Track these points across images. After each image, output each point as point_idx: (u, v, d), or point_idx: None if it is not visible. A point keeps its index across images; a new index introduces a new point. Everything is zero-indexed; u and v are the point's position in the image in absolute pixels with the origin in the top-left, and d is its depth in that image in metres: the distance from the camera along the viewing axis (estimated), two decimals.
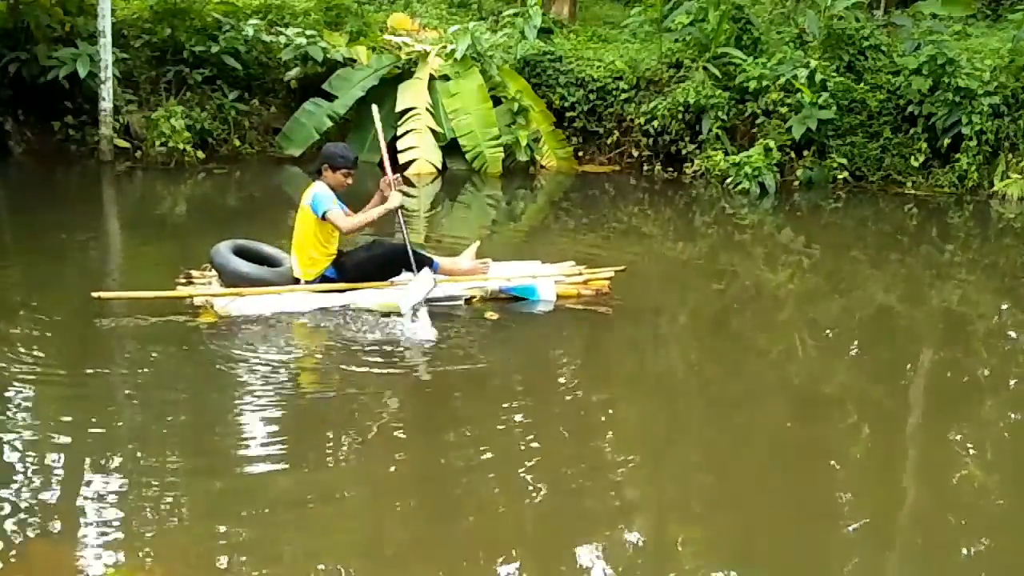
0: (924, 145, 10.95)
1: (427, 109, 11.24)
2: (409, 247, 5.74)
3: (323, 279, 5.69)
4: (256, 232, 7.43)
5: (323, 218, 5.56)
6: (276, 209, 9.32)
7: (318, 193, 5.61)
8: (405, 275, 5.73)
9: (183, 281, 5.88)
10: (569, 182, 11.31)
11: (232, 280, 5.68)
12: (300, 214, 5.69)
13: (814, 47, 11.40)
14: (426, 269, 5.70)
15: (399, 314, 5.46)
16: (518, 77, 11.79)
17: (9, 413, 4.21)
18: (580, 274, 6.22)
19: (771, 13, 13.14)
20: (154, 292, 5.65)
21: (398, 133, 11.10)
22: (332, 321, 5.51)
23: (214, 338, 5.23)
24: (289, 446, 4.09)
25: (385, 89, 11.41)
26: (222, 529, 3.42)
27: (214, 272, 5.87)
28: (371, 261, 5.77)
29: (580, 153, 12.09)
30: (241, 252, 5.82)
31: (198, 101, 11.06)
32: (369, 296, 5.65)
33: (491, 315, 5.77)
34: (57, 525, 3.39)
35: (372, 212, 5.80)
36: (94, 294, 5.44)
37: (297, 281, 5.70)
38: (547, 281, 6.04)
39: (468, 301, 5.89)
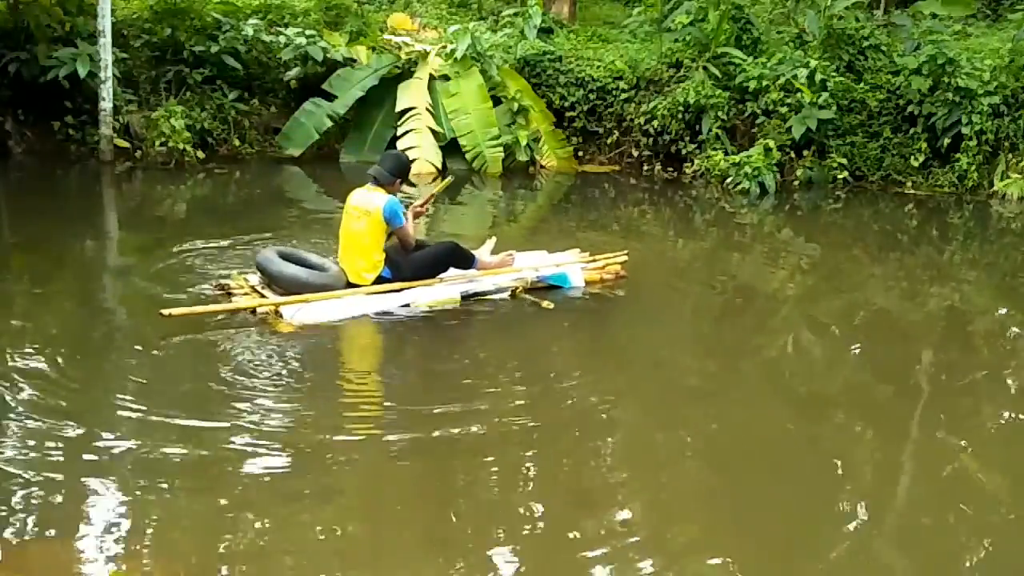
0: (924, 145, 10.94)
1: (427, 109, 11.24)
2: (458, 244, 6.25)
3: (379, 280, 5.91)
4: (261, 231, 7.53)
5: (399, 230, 5.84)
6: (277, 209, 9.33)
7: (397, 204, 5.84)
8: (452, 271, 6.14)
9: (219, 292, 5.88)
10: (569, 182, 11.31)
11: (291, 287, 5.72)
12: (363, 220, 5.81)
13: (814, 47, 11.39)
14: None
15: (454, 305, 5.92)
16: (518, 77, 11.78)
17: (12, 412, 4.21)
18: (594, 259, 6.70)
19: (771, 13, 13.14)
20: (220, 306, 5.62)
21: (398, 133, 11.09)
22: (383, 322, 5.69)
23: (240, 342, 5.26)
24: (294, 449, 4.09)
25: (385, 89, 11.41)
26: (223, 532, 3.42)
27: (253, 280, 5.91)
28: (426, 259, 6.05)
29: (580, 153, 12.08)
30: (286, 259, 5.87)
31: (198, 101, 11.05)
32: (424, 293, 5.94)
33: (547, 304, 6.07)
34: (57, 525, 3.39)
35: (410, 228, 6.06)
36: (163, 312, 5.29)
37: (352, 284, 5.86)
38: (575, 268, 6.52)
39: (512, 293, 6.22)
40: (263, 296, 5.76)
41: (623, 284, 6.62)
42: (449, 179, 7.35)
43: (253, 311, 5.61)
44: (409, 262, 5.98)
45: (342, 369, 5.16)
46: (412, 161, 6.45)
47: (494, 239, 6.62)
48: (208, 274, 6.38)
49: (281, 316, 5.54)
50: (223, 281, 6.00)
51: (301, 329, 5.44)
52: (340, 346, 5.53)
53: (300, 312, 5.54)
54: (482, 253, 6.45)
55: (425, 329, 5.70)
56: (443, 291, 6.01)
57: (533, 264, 6.50)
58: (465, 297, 6.04)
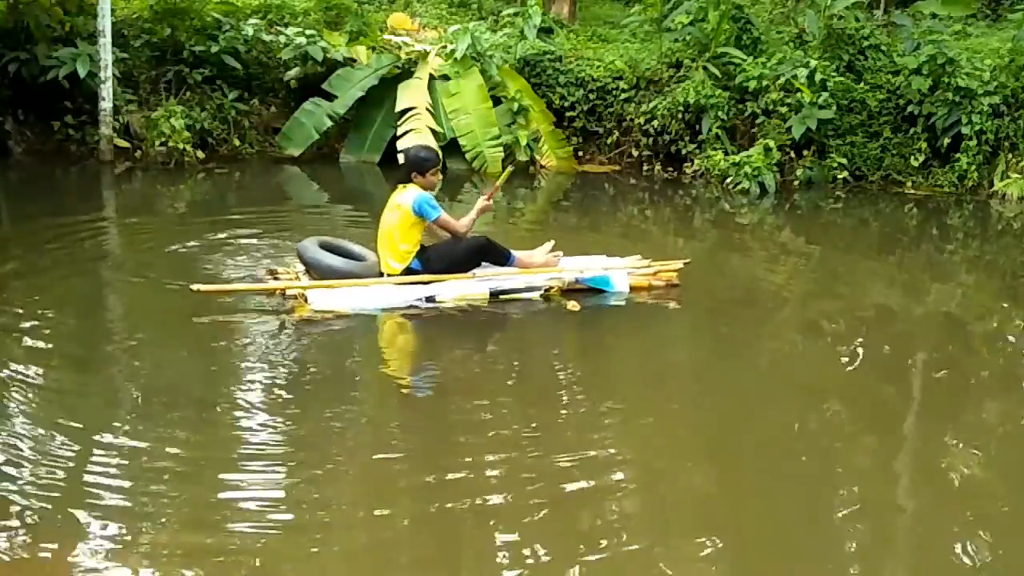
0: (924, 145, 10.94)
1: (427, 109, 11.23)
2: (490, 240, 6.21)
3: (408, 271, 5.98)
4: (263, 230, 7.56)
5: (435, 222, 5.91)
6: (278, 208, 9.32)
7: (424, 199, 5.89)
8: (485, 268, 6.11)
9: (268, 277, 6.13)
10: (569, 182, 11.31)
11: (324, 275, 5.92)
12: (395, 213, 5.95)
13: (814, 47, 11.39)
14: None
15: (480, 303, 5.91)
16: (518, 77, 11.78)
17: (12, 411, 4.21)
18: (649, 266, 6.41)
19: (771, 13, 13.14)
20: (247, 285, 5.95)
21: (398, 133, 11.09)
22: (409, 317, 5.80)
23: (257, 334, 5.40)
24: (295, 450, 4.10)
25: (385, 89, 11.41)
26: (223, 531, 3.43)
27: (300, 268, 6.12)
28: (455, 253, 6.05)
29: (580, 153, 12.07)
30: (326, 248, 6.08)
31: (198, 101, 11.06)
32: (452, 288, 5.93)
33: (573, 306, 5.99)
34: (56, 525, 3.39)
35: (472, 213, 6.13)
36: (193, 287, 5.57)
37: (383, 275, 6.00)
38: (620, 273, 6.29)
39: (546, 292, 6.11)
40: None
41: (675, 294, 6.38)
42: (510, 168, 7.02)
43: (283, 293, 5.78)
44: (439, 255, 6.04)
45: (347, 375, 5.07)
46: (420, 148, 6.31)
47: (552, 243, 6.45)
48: (209, 270, 6.41)
49: (307, 301, 5.71)
50: (273, 267, 6.26)
51: (322, 316, 5.60)
52: (352, 345, 5.55)
53: (323, 297, 5.69)
54: (534, 254, 6.29)
55: (441, 330, 5.75)
56: (471, 287, 5.98)
57: (580, 267, 6.30)
58: (495, 294, 5.99)
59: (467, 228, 6.07)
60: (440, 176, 6.18)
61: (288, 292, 5.81)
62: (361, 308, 5.75)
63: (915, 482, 4.16)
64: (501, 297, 6.00)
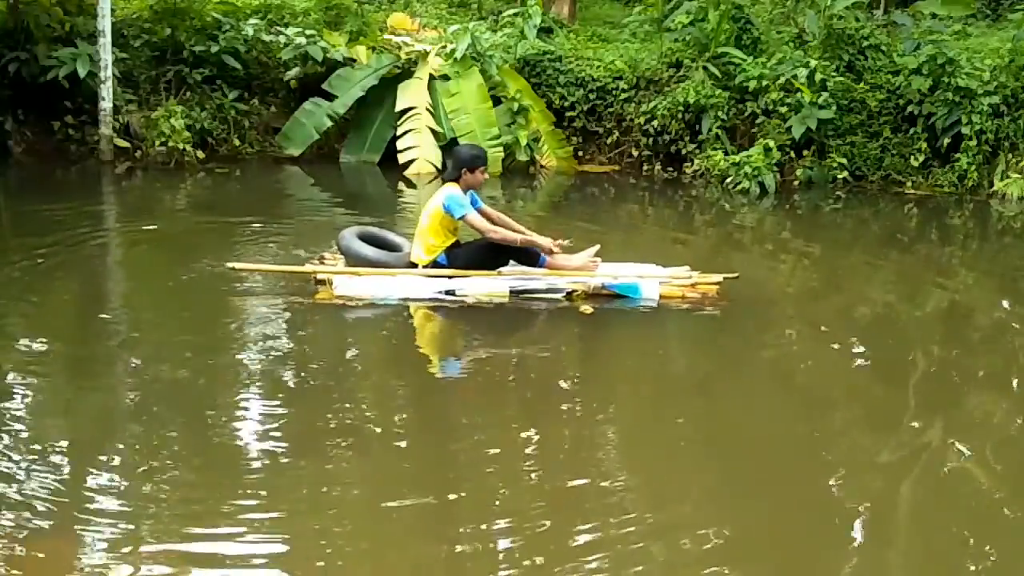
0: (924, 145, 10.95)
1: (427, 109, 11.24)
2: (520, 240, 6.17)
3: (435, 265, 6.10)
4: (262, 229, 7.54)
5: (462, 219, 6.02)
6: (278, 207, 9.32)
7: (454, 197, 6.00)
8: (512, 265, 6.15)
9: (316, 261, 6.38)
10: (569, 182, 11.31)
11: (356, 263, 6.14)
12: (430, 209, 6.12)
13: (814, 47, 11.40)
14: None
15: (502, 300, 5.95)
16: (518, 77, 11.79)
17: (11, 411, 4.21)
18: (690, 278, 6.26)
19: (771, 13, 13.15)
20: (283, 267, 6.35)
21: (398, 133, 11.10)
22: (426, 310, 5.95)
23: (273, 322, 5.58)
24: (295, 442, 4.09)
25: (385, 89, 11.41)
26: (225, 529, 3.42)
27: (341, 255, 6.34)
28: (480, 251, 6.14)
29: (580, 153, 12.08)
30: (365, 237, 6.32)
31: (198, 101, 11.07)
32: (474, 283, 6.00)
33: (585, 309, 5.95)
34: (57, 524, 3.39)
35: (518, 237, 6.14)
36: (228, 265, 6.02)
37: (413, 265, 6.15)
38: (651, 281, 6.15)
39: (569, 295, 6.07)
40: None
41: (708, 303, 6.19)
42: (598, 249, 6.46)
43: (315, 277, 6.06)
44: (466, 251, 6.14)
45: (350, 381, 5.00)
46: (470, 147, 6.53)
47: (597, 247, 6.37)
48: (210, 268, 6.42)
49: (331, 286, 5.94)
50: (323, 254, 6.52)
51: (341, 300, 5.85)
52: (359, 343, 5.62)
53: (345, 284, 5.91)
54: (573, 258, 6.22)
55: (455, 328, 5.85)
56: (491, 284, 6.00)
57: (612, 272, 6.19)
58: (515, 292, 5.99)
59: (497, 235, 6.04)
60: (486, 176, 6.38)
61: (318, 276, 6.02)
62: (383, 297, 5.91)
63: (913, 480, 4.15)
64: (522, 296, 6.01)
